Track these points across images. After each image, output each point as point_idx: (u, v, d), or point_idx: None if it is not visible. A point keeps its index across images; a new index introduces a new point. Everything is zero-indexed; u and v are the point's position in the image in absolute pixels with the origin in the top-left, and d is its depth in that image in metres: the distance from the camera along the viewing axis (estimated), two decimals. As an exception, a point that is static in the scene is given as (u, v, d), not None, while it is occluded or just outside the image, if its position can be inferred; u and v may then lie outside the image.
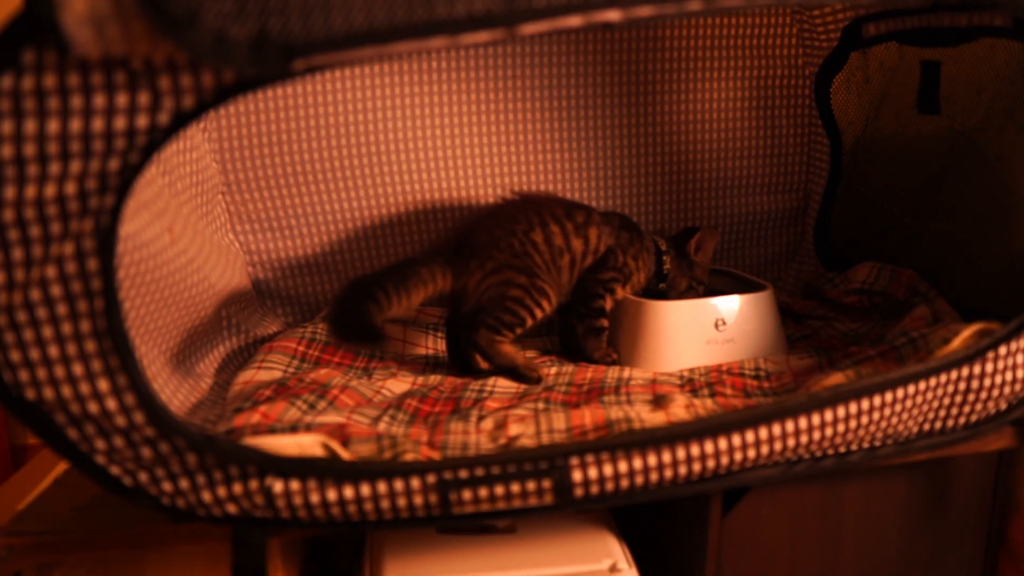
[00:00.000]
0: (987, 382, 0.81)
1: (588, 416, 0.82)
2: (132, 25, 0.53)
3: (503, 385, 1.00)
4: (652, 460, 0.74)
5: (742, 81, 1.30)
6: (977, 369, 0.80)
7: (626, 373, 1.02)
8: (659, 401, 0.88)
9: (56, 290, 0.62)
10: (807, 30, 1.27)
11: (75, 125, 0.58)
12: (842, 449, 0.81)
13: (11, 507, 0.80)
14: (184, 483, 0.70)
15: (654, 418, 0.81)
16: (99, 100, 0.57)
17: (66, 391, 0.64)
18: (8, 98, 0.56)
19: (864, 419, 0.78)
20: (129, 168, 0.60)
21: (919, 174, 1.12)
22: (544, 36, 1.04)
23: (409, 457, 0.73)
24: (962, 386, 0.81)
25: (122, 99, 0.58)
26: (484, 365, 1.03)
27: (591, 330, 1.08)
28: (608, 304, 1.07)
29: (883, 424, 0.79)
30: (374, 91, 1.17)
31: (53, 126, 0.57)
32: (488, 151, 1.23)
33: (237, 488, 0.70)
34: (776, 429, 0.76)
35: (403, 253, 1.23)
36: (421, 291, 0.97)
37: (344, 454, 0.72)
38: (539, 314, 1.02)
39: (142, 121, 0.58)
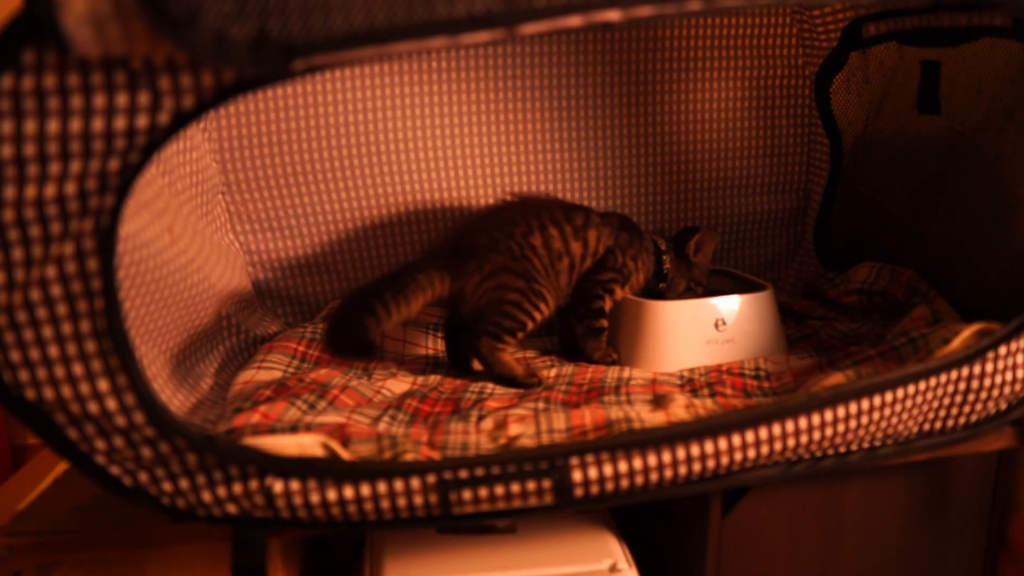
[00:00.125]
0: (987, 382, 0.81)
1: (588, 416, 0.82)
2: (132, 25, 0.53)
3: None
4: (652, 460, 0.74)
5: (742, 81, 1.30)
6: (977, 369, 0.80)
7: (626, 373, 1.02)
8: (659, 401, 0.88)
9: (56, 290, 0.62)
10: (807, 30, 1.27)
11: (75, 125, 0.58)
12: (842, 449, 0.81)
13: (11, 507, 0.80)
14: (184, 483, 0.70)
15: (654, 418, 0.81)
16: (99, 100, 0.57)
17: (66, 391, 0.64)
18: (8, 98, 0.56)
19: (864, 419, 0.78)
20: (129, 168, 0.60)
21: (919, 174, 1.12)
22: (544, 36, 1.04)
23: (409, 457, 0.73)
24: (962, 386, 0.81)
25: (122, 99, 0.58)
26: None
27: (590, 331, 1.08)
28: (607, 305, 1.07)
29: (883, 424, 0.79)
30: (374, 91, 1.17)
31: (53, 126, 0.57)
32: (488, 151, 1.23)
33: (237, 488, 0.70)
34: (776, 429, 0.76)
35: (403, 253, 1.23)
36: (420, 298, 0.97)
37: (344, 454, 0.72)
38: (538, 317, 1.02)
39: (142, 121, 0.58)
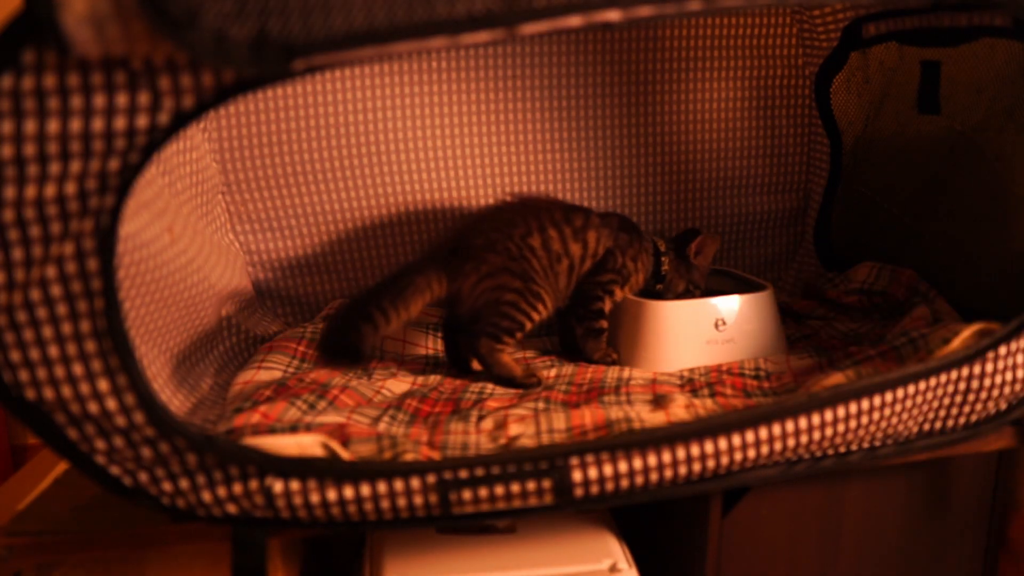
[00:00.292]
0: (987, 382, 0.81)
1: (588, 416, 0.82)
2: (132, 25, 0.53)
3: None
4: (652, 460, 0.74)
5: (742, 81, 1.30)
6: (977, 369, 0.80)
7: (626, 373, 1.02)
8: (659, 401, 0.88)
9: (56, 290, 0.62)
10: (807, 30, 1.27)
11: (75, 125, 0.58)
12: (842, 449, 0.81)
13: (11, 507, 0.80)
14: (184, 483, 0.70)
15: (654, 418, 0.81)
16: (99, 100, 0.57)
17: (66, 391, 0.64)
18: (8, 98, 0.56)
19: (864, 419, 0.78)
20: (129, 168, 0.60)
21: (919, 174, 1.12)
22: (544, 36, 1.04)
23: (409, 457, 0.73)
24: (962, 386, 0.81)
25: (122, 99, 0.58)
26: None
27: (590, 331, 1.08)
28: (607, 305, 1.07)
29: (883, 424, 0.79)
30: (374, 91, 1.17)
31: (53, 126, 0.57)
32: (488, 151, 1.23)
33: (237, 488, 0.70)
34: (776, 429, 0.76)
35: (403, 253, 1.23)
36: (419, 301, 0.97)
37: (344, 454, 0.72)
38: (536, 317, 1.02)
39: (142, 121, 0.58)
